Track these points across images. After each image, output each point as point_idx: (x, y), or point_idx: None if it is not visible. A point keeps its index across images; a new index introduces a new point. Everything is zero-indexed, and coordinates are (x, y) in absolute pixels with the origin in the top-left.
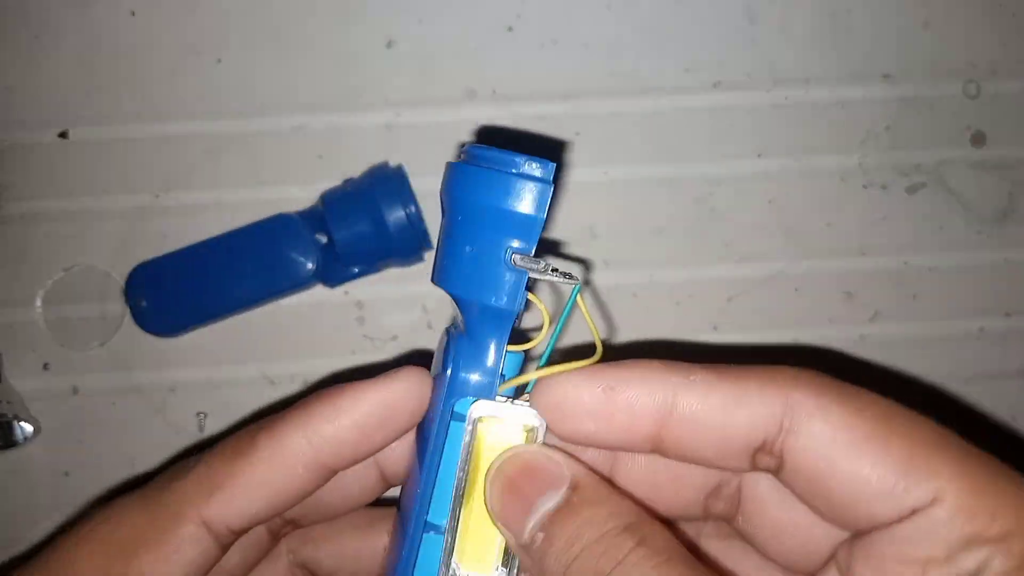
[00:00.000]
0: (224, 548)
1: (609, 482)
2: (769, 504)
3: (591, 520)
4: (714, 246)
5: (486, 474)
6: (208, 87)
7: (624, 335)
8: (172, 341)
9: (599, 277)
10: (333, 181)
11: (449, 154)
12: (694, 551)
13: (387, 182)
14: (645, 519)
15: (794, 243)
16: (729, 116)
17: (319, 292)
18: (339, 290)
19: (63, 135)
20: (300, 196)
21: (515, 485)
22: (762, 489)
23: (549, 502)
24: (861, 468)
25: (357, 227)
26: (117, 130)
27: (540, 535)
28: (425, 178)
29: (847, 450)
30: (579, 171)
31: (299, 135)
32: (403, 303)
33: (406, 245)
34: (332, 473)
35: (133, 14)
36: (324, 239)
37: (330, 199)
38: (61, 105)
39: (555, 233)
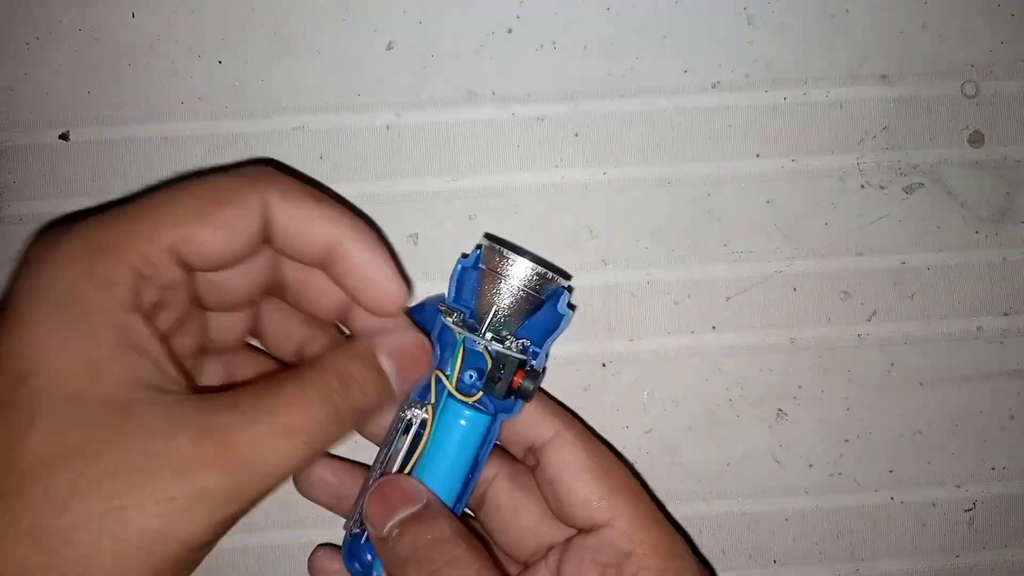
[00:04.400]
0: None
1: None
2: (505, 508)
3: (435, 526)
4: (712, 246)
5: (367, 487)
6: (209, 88)
7: (623, 335)
8: None
9: (598, 277)
10: (334, 181)
11: (449, 154)
12: None
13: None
14: (471, 536)
15: (792, 243)
16: (727, 116)
17: None
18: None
19: (64, 136)
20: None
21: (386, 496)
22: (502, 496)
23: (407, 511)
24: (582, 487)
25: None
26: (118, 131)
27: (396, 531)
28: (426, 179)
29: (578, 473)
30: (578, 171)
31: (299, 136)
32: None
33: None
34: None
35: (133, 15)
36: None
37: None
38: (62, 106)
39: (554, 233)
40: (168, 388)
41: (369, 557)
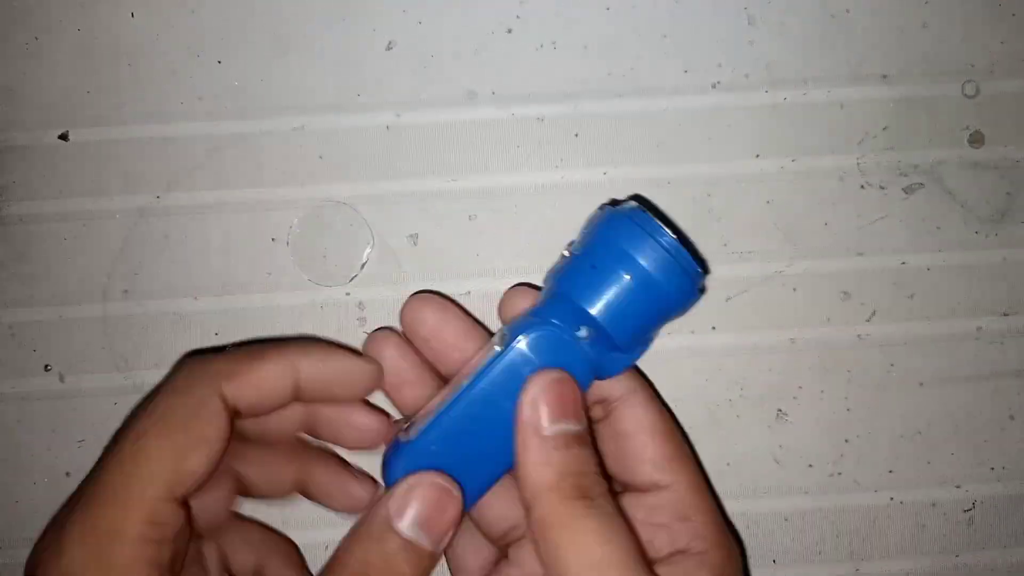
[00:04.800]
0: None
1: None
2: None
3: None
4: (712, 246)
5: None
6: (209, 88)
7: None
8: (174, 343)
9: None
10: (334, 182)
11: (449, 154)
12: None
13: (619, 223)
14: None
15: (792, 243)
16: (727, 117)
17: (319, 292)
18: (340, 290)
19: (63, 136)
20: (301, 196)
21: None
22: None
23: (577, 425)
24: (653, 447)
25: (620, 299)
26: (118, 131)
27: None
28: (426, 179)
29: (652, 433)
30: (578, 171)
31: (299, 136)
32: (403, 303)
33: (682, 288)
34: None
35: (133, 15)
36: (586, 332)
37: (568, 280)
38: (61, 106)
39: (554, 234)
40: None
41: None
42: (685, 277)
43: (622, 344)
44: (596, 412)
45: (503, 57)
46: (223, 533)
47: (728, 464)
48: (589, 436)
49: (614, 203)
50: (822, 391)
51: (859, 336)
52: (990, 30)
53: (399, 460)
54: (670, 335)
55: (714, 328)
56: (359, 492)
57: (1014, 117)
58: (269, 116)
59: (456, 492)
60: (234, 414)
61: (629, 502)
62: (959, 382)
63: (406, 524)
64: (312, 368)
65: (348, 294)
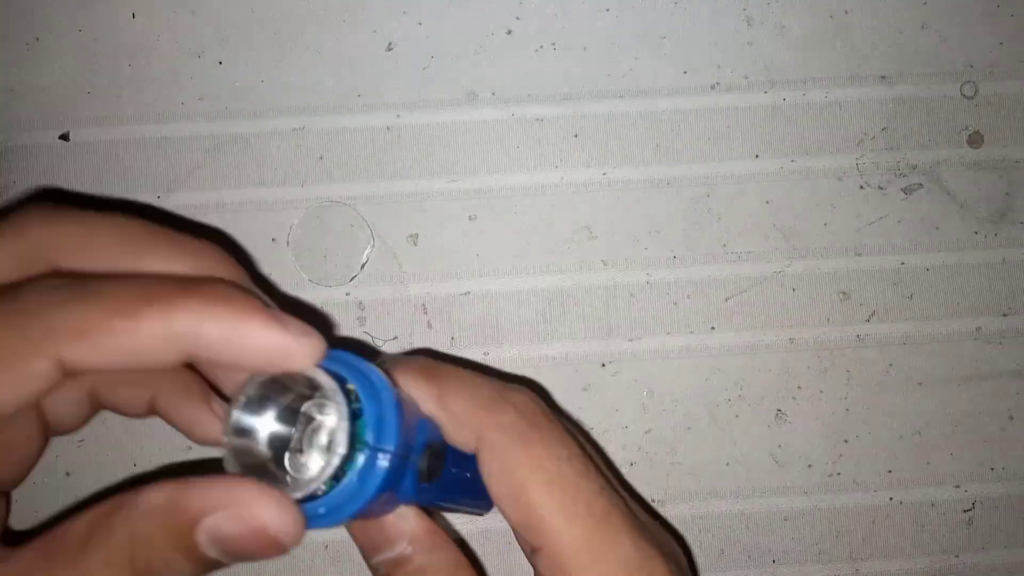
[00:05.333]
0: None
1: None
2: None
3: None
4: (711, 246)
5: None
6: (209, 89)
7: (622, 335)
8: None
9: (597, 278)
10: (334, 182)
11: (449, 154)
12: None
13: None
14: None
15: (791, 243)
16: (726, 117)
17: (319, 292)
18: (339, 290)
19: (64, 136)
20: (301, 196)
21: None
22: None
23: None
24: (507, 505)
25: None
26: (118, 131)
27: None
28: (426, 179)
29: (505, 489)
30: (577, 172)
31: (299, 136)
32: (403, 303)
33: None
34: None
35: (133, 16)
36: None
37: None
38: (62, 106)
39: (554, 234)
40: None
41: None
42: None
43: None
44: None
45: (503, 58)
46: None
47: (727, 464)
48: None
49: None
50: (821, 391)
51: (858, 336)
52: (989, 30)
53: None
54: (669, 335)
55: (713, 328)
56: (212, 432)
57: (1013, 117)
58: (269, 116)
59: (290, 533)
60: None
61: (533, 562)
62: (958, 382)
63: (207, 541)
64: (218, 335)
65: (348, 294)
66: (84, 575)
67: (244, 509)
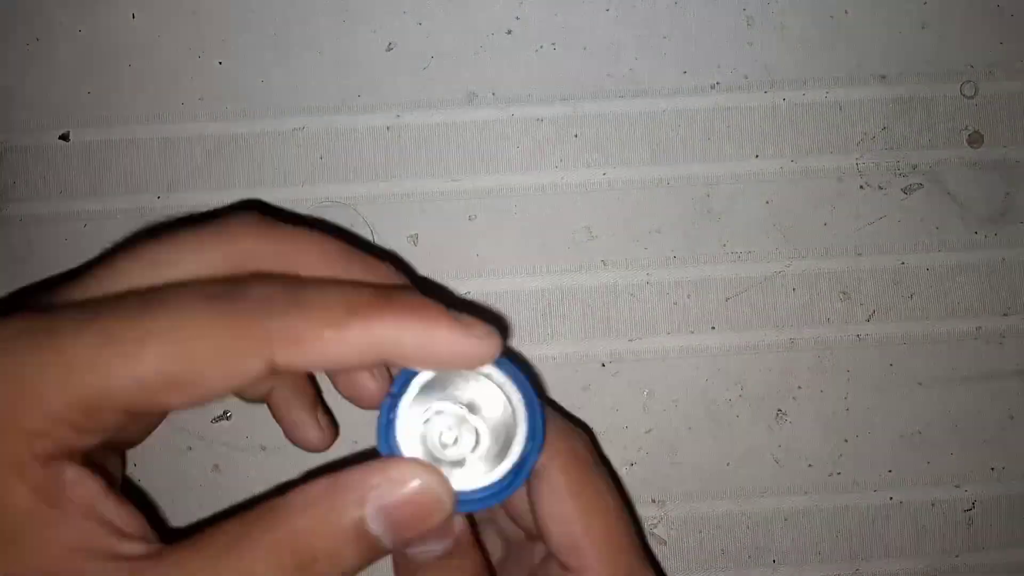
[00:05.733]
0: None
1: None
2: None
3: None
4: (711, 246)
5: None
6: (209, 88)
7: (622, 335)
8: None
9: (597, 277)
10: (334, 182)
11: (449, 154)
12: None
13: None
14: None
15: (791, 243)
16: (726, 117)
17: None
18: None
19: (64, 137)
20: (301, 196)
21: (414, 512)
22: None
23: (434, 546)
24: (553, 526)
25: None
26: (118, 132)
27: (418, 556)
28: (426, 179)
29: (555, 510)
30: (577, 172)
31: (300, 137)
32: None
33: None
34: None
35: (133, 16)
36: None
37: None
38: (62, 107)
39: (554, 234)
40: (118, 550)
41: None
42: None
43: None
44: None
45: (503, 58)
46: None
47: (728, 464)
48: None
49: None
50: (821, 391)
51: (858, 336)
52: (989, 30)
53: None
54: (669, 335)
55: (713, 328)
56: (310, 436)
57: (1013, 117)
58: (269, 116)
59: (447, 502)
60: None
61: None
62: (958, 382)
63: (373, 514)
64: (413, 343)
65: None
66: (247, 571)
67: (402, 475)
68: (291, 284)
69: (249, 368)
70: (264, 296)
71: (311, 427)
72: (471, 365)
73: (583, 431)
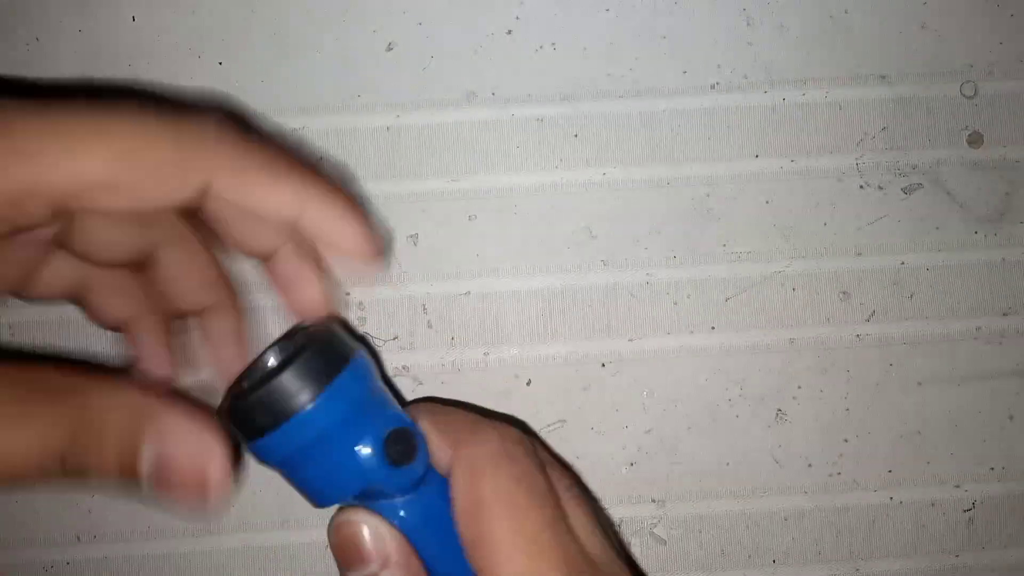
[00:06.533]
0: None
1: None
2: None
3: None
4: (711, 246)
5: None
6: (209, 89)
7: (622, 335)
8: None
9: (597, 278)
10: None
11: (449, 154)
12: None
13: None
14: None
15: (791, 243)
16: (726, 117)
17: None
18: (339, 290)
19: None
20: None
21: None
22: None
23: (365, 570)
24: (462, 524)
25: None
26: None
27: None
28: (426, 179)
29: (462, 516)
30: (577, 172)
31: (300, 137)
32: (403, 303)
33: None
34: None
35: (134, 19)
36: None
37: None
38: None
39: (554, 234)
40: None
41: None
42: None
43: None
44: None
45: (503, 58)
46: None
47: (727, 464)
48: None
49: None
50: (821, 391)
51: (858, 336)
52: (989, 30)
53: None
54: (669, 335)
55: (713, 328)
56: (316, 294)
57: (1013, 117)
58: (269, 118)
59: (220, 451)
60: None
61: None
62: (958, 382)
63: (146, 460)
64: (328, 217)
65: (348, 294)
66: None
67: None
68: (250, 142)
69: (186, 186)
70: (218, 133)
71: (313, 285)
72: (359, 254)
73: (512, 431)
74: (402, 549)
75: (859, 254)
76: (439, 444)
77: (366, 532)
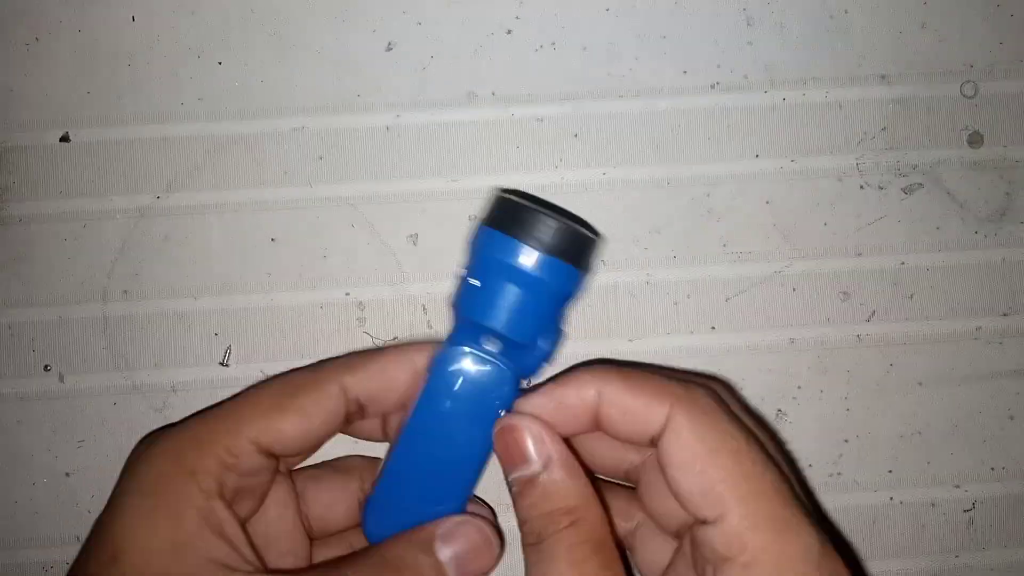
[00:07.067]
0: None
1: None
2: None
3: (547, 494)
4: (711, 246)
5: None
6: (209, 89)
7: (622, 335)
8: (174, 343)
9: (597, 277)
10: (334, 182)
11: (449, 154)
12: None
13: (486, 236)
14: (586, 504)
15: (791, 243)
16: (726, 117)
17: (319, 293)
18: (339, 290)
19: (64, 137)
20: (301, 196)
21: (507, 446)
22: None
23: (527, 470)
24: (685, 475)
25: (510, 306)
26: (118, 132)
27: (515, 489)
28: (426, 179)
29: (687, 460)
30: (577, 172)
31: (299, 136)
32: (403, 303)
33: (561, 277)
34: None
35: (134, 19)
36: (494, 345)
37: (462, 303)
38: (62, 106)
39: None
40: (241, 568)
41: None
42: (562, 267)
43: (530, 342)
44: (643, 448)
45: (503, 58)
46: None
47: None
48: (554, 465)
49: (497, 200)
50: (821, 391)
51: (858, 336)
52: (989, 30)
53: (370, 515)
54: (669, 335)
55: (713, 328)
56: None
57: (1013, 117)
58: (269, 116)
59: (496, 546)
60: (355, 406)
61: (695, 535)
62: (958, 382)
63: (446, 553)
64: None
65: (348, 294)
66: None
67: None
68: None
69: (325, 386)
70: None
71: None
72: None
73: (719, 384)
74: (562, 450)
75: (859, 254)
76: (650, 400)
77: (528, 436)
